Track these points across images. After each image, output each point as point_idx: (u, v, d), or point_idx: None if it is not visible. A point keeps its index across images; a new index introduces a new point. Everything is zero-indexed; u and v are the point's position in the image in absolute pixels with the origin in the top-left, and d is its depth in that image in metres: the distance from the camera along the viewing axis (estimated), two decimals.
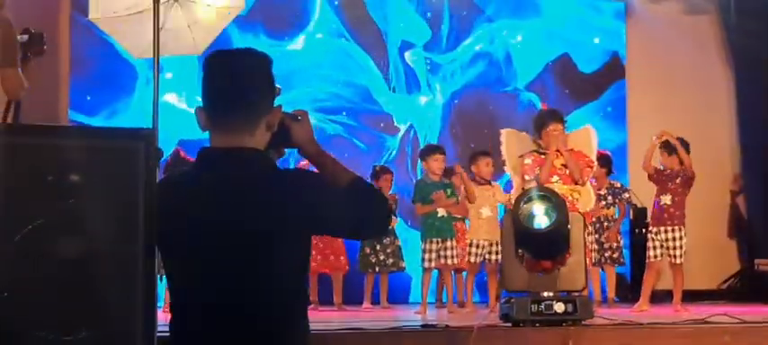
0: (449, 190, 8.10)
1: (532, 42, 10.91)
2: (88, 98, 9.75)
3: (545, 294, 5.39)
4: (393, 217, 7.76)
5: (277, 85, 2.49)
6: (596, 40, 11.08)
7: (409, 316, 7.61)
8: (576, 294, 5.47)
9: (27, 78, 4.74)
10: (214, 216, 2.34)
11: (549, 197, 5.46)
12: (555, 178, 6.73)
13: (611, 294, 8.76)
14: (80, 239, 3.64)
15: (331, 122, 10.23)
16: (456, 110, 10.73)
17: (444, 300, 8.53)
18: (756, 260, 9.81)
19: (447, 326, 5.54)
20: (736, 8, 10.85)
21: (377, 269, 8.67)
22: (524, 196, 5.48)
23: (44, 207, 3.60)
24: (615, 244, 8.67)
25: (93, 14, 6.18)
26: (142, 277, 3.75)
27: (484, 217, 8.15)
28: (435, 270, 8.27)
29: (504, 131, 7.13)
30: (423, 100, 10.70)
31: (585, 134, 7.21)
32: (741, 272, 10.44)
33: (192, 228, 2.37)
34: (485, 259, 8.18)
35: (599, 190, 8.37)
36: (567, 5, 11.06)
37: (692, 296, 8.47)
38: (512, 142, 7.03)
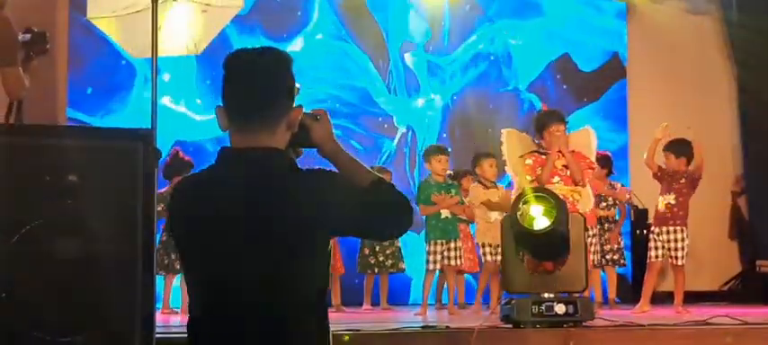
0: (453, 191, 8.09)
1: (533, 42, 10.89)
2: (89, 91, 9.72)
3: (546, 295, 5.38)
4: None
5: (297, 84, 2.46)
6: (597, 40, 11.06)
7: (409, 318, 7.58)
8: (577, 295, 5.46)
9: (29, 78, 4.72)
10: (235, 216, 2.33)
11: (547, 197, 5.44)
12: (556, 178, 6.72)
13: (612, 295, 8.74)
14: (79, 239, 3.64)
15: None
16: (456, 111, 10.71)
17: (445, 301, 8.51)
18: (758, 262, 9.81)
19: (448, 327, 5.52)
20: (737, 8, 10.83)
21: (376, 270, 8.65)
22: (522, 197, 5.47)
23: (43, 207, 3.60)
24: (616, 246, 8.65)
25: (92, 13, 6.16)
26: (141, 277, 3.74)
27: (492, 221, 8.14)
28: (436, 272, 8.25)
29: (504, 131, 7.12)
30: (422, 101, 10.68)
31: (585, 135, 7.20)
32: (743, 274, 10.43)
33: (213, 228, 2.34)
34: (493, 259, 8.16)
35: (599, 191, 8.35)
36: (567, 5, 11.04)
37: (693, 298, 8.46)
38: (512, 142, 7.01)
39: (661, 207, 7.71)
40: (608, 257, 8.56)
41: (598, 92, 10.97)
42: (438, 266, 7.99)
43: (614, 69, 11.05)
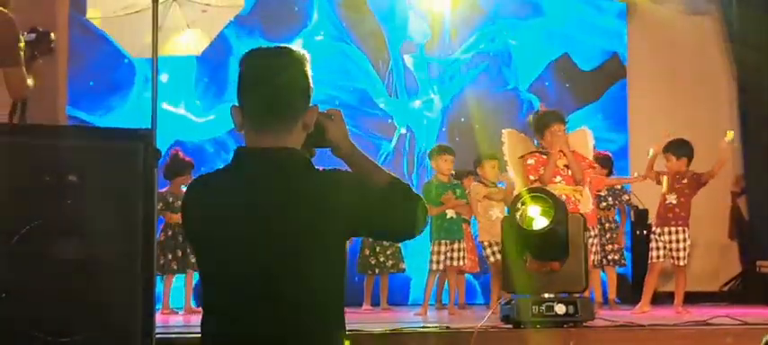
0: (458, 191, 8.09)
1: (533, 42, 10.89)
2: (90, 88, 9.71)
3: (546, 295, 5.38)
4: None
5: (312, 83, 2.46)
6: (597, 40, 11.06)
7: (410, 318, 7.59)
8: (577, 295, 5.46)
9: (33, 77, 4.73)
10: (252, 215, 2.32)
11: (545, 197, 5.44)
12: (558, 178, 6.72)
13: (613, 295, 8.74)
14: (79, 239, 3.64)
15: None
16: (456, 111, 10.70)
17: (445, 301, 8.51)
18: (758, 262, 9.79)
19: (448, 328, 5.52)
20: (737, 8, 10.83)
21: (376, 270, 8.65)
22: (520, 197, 5.47)
23: (43, 207, 3.60)
24: (616, 246, 8.65)
25: (92, 13, 6.17)
26: (141, 277, 3.74)
27: (493, 219, 8.15)
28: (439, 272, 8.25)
29: (505, 131, 7.12)
30: (422, 101, 10.67)
31: (582, 136, 7.21)
32: (743, 274, 10.42)
33: (230, 228, 2.34)
34: (495, 258, 8.16)
35: (599, 191, 8.35)
36: (567, 5, 11.03)
37: (693, 298, 8.45)
38: (513, 142, 7.01)
39: (663, 206, 7.70)
40: (609, 257, 8.56)
41: (598, 92, 10.97)
42: (441, 266, 7.99)
43: (614, 69, 11.05)
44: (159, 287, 7.51)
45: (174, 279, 8.11)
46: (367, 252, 8.66)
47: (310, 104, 2.44)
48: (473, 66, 10.78)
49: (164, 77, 9.48)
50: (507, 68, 10.87)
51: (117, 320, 3.69)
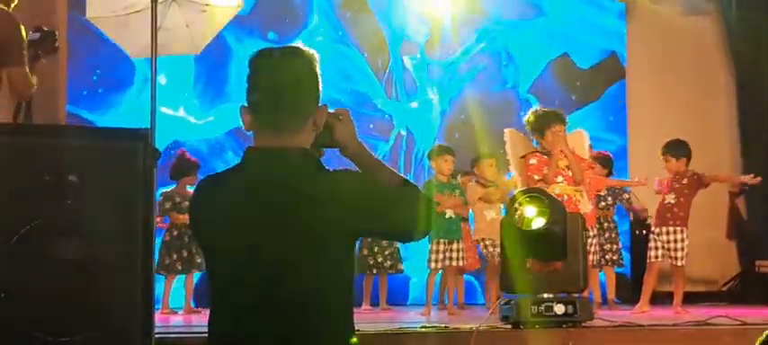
0: (457, 191, 8.10)
1: (533, 42, 10.89)
2: (88, 92, 9.71)
3: (545, 295, 5.38)
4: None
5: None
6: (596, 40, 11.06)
7: (410, 318, 7.59)
8: (577, 295, 5.46)
9: (36, 77, 4.74)
10: (260, 215, 2.32)
11: (541, 198, 5.45)
12: (559, 178, 6.72)
13: (612, 295, 8.74)
14: (79, 239, 3.64)
15: None
16: (455, 112, 10.70)
17: (445, 301, 8.52)
18: (757, 262, 9.78)
19: (447, 328, 5.53)
20: (736, 8, 10.83)
21: (375, 271, 8.65)
22: (517, 198, 5.49)
23: (43, 207, 3.60)
24: (615, 246, 8.65)
25: (92, 13, 6.16)
26: (141, 277, 3.75)
27: (488, 219, 8.14)
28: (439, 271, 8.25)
29: (507, 131, 7.12)
30: (422, 102, 10.67)
31: (579, 137, 7.21)
32: (742, 274, 10.42)
33: (238, 228, 2.34)
34: (492, 257, 8.17)
35: (598, 191, 8.35)
36: (567, 5, 11.04)
37: (692, 298, 8.45)
38: (516, 141, 7.02)
39: (662, 206, 7.72)
40: (607, 257, 8.56)
41: (598, 92, 10.97)
42: (439, 265, 7.99)
43: (614, 69, 11.05)
44: (159, 287, 7.51)
45: (174, 280, 8.11)
46: (365, 253, 8.66)
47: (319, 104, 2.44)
48: (473, 66, 10.78)
49: (161, 79, 9.48)
50: (507, 68, 10.87)
51: (117, 320, 3.70)
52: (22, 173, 3.63)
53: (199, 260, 7.86)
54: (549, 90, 10.79)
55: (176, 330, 5.72)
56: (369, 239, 8.35)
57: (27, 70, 4.60)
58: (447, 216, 7.95)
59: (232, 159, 9.46)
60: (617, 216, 8.88)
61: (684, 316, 6.68)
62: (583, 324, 5.36)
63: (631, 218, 9.97)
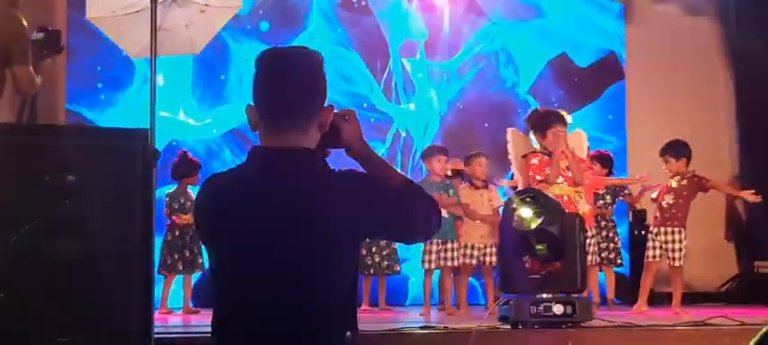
0: (451, 191, 8.08)
1: (532, 42, 10.89)
2: (87, 92, 9.71)
3: (544, 295, 5.38)
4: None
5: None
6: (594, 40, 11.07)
7: (409, 318, 7.59)
8: (576, 295, 5.47)
9: (40, 76, 4.75)
10: (268, 215, 2.31)
11: (538, 198, 5.46)
12: (560, 179, 6.73)
13: (611, 295, 8.74)
14: (78, 239, 3.65)
15: None
16: (454, 112, 10.70)
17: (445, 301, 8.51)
18: (756, 263, 9.81)
19: (446, 328, 5.53)
20: (736, 8, 10.83)
21: (372, 271, 8.64)
22: (514, 199, 5.50)
23: (43, 207, 3.61)
24: (613, 245, 8.65)
25: (91, 13, 6.16)
26: (140, 277, 3.75)
27: (477, 224, 8.11)
28: (436, 271, 8.24)
29: (510, 130, 7.13)
30: (421, 102, 10.67)
31: (577, 138, 7.22)
32: (741, 275, 10.43)
33: (243, 228, 2.33)
34: (480, 261, 8.14)
35: (598, 190, 8.36)
36: (566, 6, 11.04)
37: (691, 299, 8.46)
38: (518, 141, 7.02)
39: (660, 206, 7.72)
40: (604, 255, 8.55)
41: (597, 92, 10.97)
42: (433, 265, 7.98)
43: (613, 69, 11.06)
44: (158, 287, 7.51)
45: (174, 280, 8.11)
46: (363, 253, 8.64)
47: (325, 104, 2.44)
48: (472, 66, 10.78)
49: (159, 80, 9.48)
50: (506, 69, 10.87)
51: (117, 320, 3.70)
52: (21, 173, 3.64)
53: (201, 261, 7.87)
54: (548, 90, 10.80)
55: (175, 330, 5.73)
56: (368, 239, 8.34)
57: (31, 69, 4.61)
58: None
59: (230, 160, 9.47)
60: (616, 215, 8.88)
61: (683, 317, 6.69)
62: (582, 324, 5.37)
63: (631, 218, 9.98)
